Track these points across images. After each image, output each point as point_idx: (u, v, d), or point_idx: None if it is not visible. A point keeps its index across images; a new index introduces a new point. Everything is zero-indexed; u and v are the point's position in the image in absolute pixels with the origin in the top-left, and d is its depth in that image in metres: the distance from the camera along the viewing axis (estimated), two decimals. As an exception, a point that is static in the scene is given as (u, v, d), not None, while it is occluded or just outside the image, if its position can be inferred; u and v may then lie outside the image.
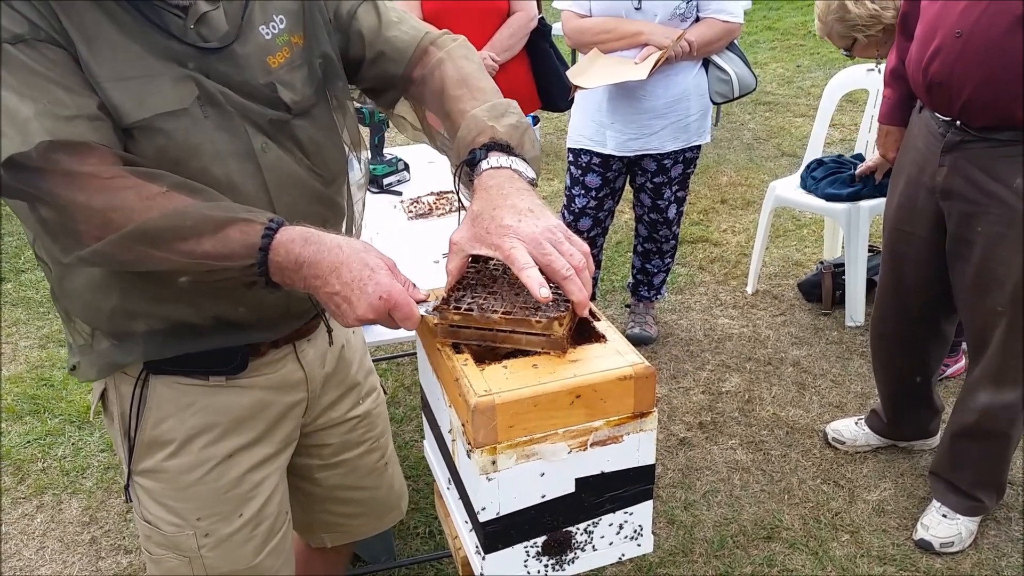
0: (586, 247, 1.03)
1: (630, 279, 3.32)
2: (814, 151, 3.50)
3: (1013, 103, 1.86)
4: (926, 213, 2.14)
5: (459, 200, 1.16)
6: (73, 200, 0.98)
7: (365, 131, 2.56)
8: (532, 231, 0.98)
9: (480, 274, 1.08)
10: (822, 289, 3.36)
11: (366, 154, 1.40)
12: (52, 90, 0.98)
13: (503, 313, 0.99)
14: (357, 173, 1.35)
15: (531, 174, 1.08)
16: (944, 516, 2.28)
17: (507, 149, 1.09)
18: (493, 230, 0.99)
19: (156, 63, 1.05)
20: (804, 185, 3.33)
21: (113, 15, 1.02)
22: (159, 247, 0.99)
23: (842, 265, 3.30)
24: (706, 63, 2.83)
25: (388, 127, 2.75)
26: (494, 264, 1.09)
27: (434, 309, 1.02)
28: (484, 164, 1.07)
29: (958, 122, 1.98)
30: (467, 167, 1.10)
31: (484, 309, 1.00)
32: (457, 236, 1.03)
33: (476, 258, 1.05)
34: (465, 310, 1.00)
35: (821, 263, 3.48)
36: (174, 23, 1.06)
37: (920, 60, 1.99)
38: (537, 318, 0.98)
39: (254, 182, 1.12)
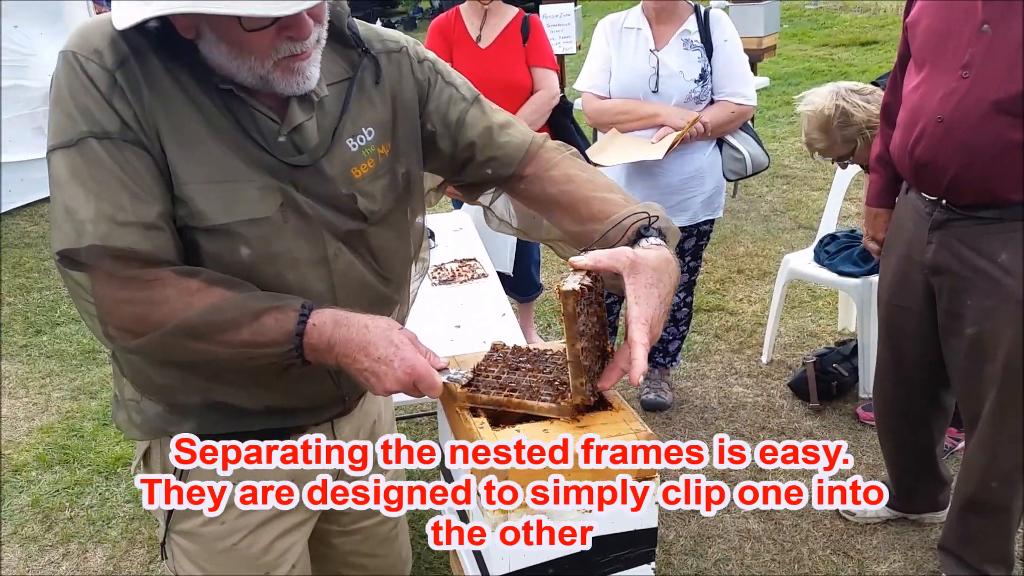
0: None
1: (646, 346, 3.38)
2: (828, 225, 3.58)
3: (994, 182, 1.96)
4: (918, 288, 2.22)
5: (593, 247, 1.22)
6: (113, 296, 1.04)
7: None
8: (657, 327, 1.09)
9: (595, 293, 1.15)
10: (808, 384, 3.31)
11: (429, 253, 1.46)
12: (117, 192, 1.03)
13: (588, 341, 1.11)
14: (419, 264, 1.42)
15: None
16: (953, 591, 2.29)
17: (665, 240, 1.19)
18: (643, 291, 1.09)
19: (245, 170, 1.09)
20: (817, 259, 3.41)
21: (210, 119, 1.07)
22: (201, 340, 1.06)
23: (826, 354, 3.36)
24: (720, 142, 2.95)
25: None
26: (607, 299, 1.18)
27: (577, 269, 1.11)
28: (658, 239, 1.17)
29: (944, 201, 2.08)
30: (635, 232, 1.18)
31: (585, 329, 1.11)
32: (621, 253, 1.11)
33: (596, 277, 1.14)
34: (574, 307, 1.09)
35: (805, 357, 3.42)
36: (267, 127, 1.10)
37: (905, 144, 2.10)
38: (583, 379, 1.09)
39: (323, 286, 1.17)
